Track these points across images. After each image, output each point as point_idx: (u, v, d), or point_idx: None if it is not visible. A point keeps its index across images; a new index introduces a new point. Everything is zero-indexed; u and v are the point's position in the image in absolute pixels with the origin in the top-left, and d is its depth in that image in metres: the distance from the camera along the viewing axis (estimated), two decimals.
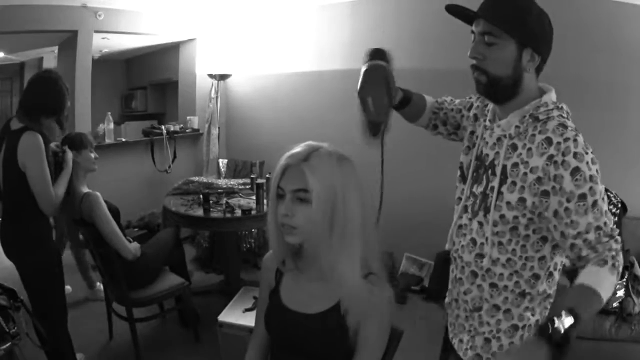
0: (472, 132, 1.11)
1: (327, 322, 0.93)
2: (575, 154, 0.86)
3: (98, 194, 2.07)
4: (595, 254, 0.86)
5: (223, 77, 3.73)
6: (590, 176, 0.86)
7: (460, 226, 1.09)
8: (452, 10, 0.96)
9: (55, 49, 3.84)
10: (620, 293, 2.00)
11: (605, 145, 2.54)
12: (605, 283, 0.83)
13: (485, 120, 1.07)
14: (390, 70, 1.03)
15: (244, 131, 4.05)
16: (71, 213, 2.13)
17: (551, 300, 1.05)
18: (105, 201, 2.11)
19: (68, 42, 3.45)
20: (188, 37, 3.99)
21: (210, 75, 3.70)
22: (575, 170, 0.86)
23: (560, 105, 0.96)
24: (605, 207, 0.88)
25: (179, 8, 3.59)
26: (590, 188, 0.85)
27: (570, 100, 2.91)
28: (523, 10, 0.91)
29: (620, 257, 0.87)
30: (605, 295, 0.82)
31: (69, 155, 2.00)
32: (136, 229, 3.39)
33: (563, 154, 0.87)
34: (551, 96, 0.97)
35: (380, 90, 1.01)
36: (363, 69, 1.03)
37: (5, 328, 1.52)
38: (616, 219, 2.17)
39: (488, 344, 1.05)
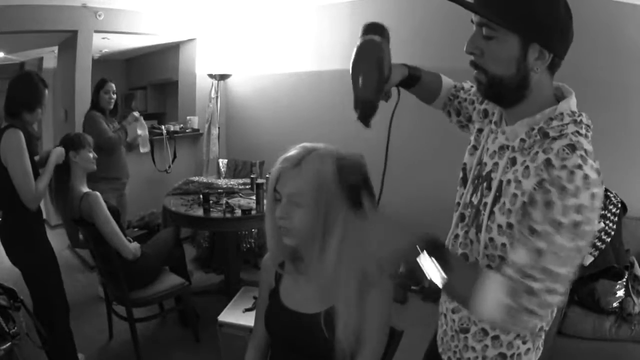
0: (480, 130, 0.97)
1: (326, 322, 0.93)
2: (562, 189, 0.71)
3: (98, 193, 2.07)
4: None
5: (223, 77, 3.73)
6: (560, 223, 0.70)
7: (456, 236, 0.98)
8: None
9: (55, 49, 3.85)
10: (620, 293, 2.00)
11: (605, 145, 2.52)
12: (491, 287, 0.73)
13: (491, 122, 0.93)
14: (384, 46, 0.92)
15: (244, 131, 4.05)
16: (71, 213, 2.13)
17: (542, 333, 0.96)
18: (105, 201, 2.11)
19: (68, 42, 3.45)
20: (188, 37, 3.99)
21: (210, 75, 3.70)
22: (549, 204, 0.72)
23: (579, 118, 0.79)
24: (558, 269, 0.71)
25: (179, 8, 3.59)
26: (548, 234, 0.71)
27: None
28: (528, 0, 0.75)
29: (527, 316, 0.72)
30: (481, 293, 0.73)
31: (54, 153, 2.01)
32: (136, 229, 3.39)
33: (551, 183, 0.72)
34: (570, 104, 0.81)
35: (371, 67, 0.90)
36: (356, 45, 0.93)
37: (5, 328, 1.52)
38: (616, 219, 2.17)
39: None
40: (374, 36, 0.92)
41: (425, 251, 0.73)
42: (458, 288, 0.76)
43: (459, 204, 0.99)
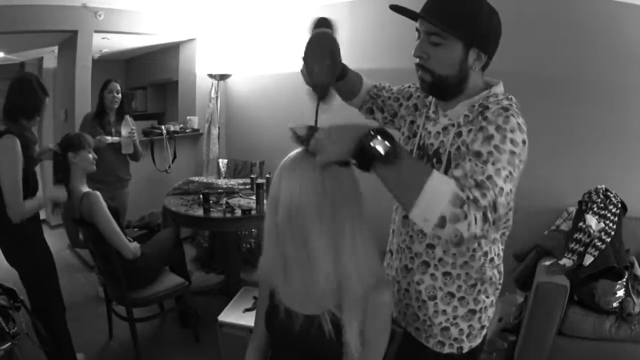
0: (412, 122, 1.12)
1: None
2: (497, 127, 0.84)
3: (98, 193, 2.07)
4: (460, 182, 0.79)
5: (223, 77, 3.73)
6: (496, 146, 0.81)
7: (405, 216, 1.08)
8: (396, 8, 0.96)
9: (55, 49, 3.84)
10: (620, 293, 1.99)
11: (605, 145, 2.54)
12: (439, 191, 0.73)
13: (428, 111, 1.07)
14: (335, 37, 1.03)
15: (244, 131, 4.05)
16: (71, 213, 2.13)
17: (498, 286, 1.08)
18: (105, 200, 2.12)
19: (68, 42, 3.45)
20: (188, 37, 3.99)
21: (210, 75, 3.70)
22: (489, 137, 0.83)
23: (509, 97, 0.94)
24: (496, 178, 0.78)
25: (179, 8, 3.59)
26: (490, 152, 0.81)
27: (571, 100, 2.89)
28: (470, 12, 0.89)
29: (476, 214, 0.73)
30: (427, 193, 0.73)
31: (54, 197, 2.00)
32: (136, 229, 3.39)
33: (488, 123, 0.86)
34: (500, 88, 0.97)
35: (325, 55, 1.01)
36: (308, 37, 1.03)
37: (5, 328, 1.52)
38: (616, 219, 2.17)
39: (447, 332, 1.06)
40: (327, 29, 1.02)
41: (378, 135, 0.75)
42: (408, 174, 0.76)
43: None
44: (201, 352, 2.38)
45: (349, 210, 0.88)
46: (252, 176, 3.01)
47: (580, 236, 2.09)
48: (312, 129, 0.85)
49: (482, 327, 1.09)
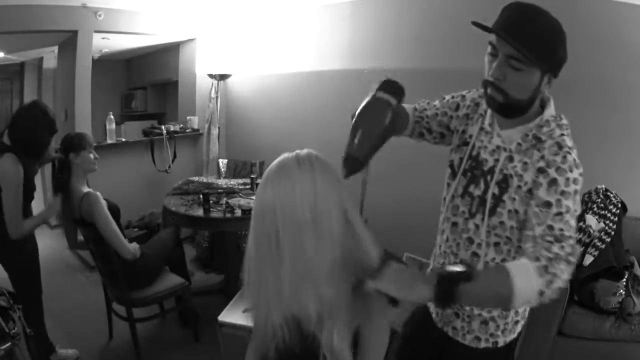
0: (464, 131, 1.12)
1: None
2: (558, 168, 0.90)
3: (98, 193, 2.07)
4: (533, 249, 0.86)
5: (223, 77, 3.73)
6: (563, 191, 0.88)
7: (454, 224, 1.11)
8: (480, 25, 0.90)
9: (55, 49, 3.84)
10: (620, 293, 1.99)
11: (606, 145, 2.54)
12: (524, 276, 0.80)
13: (483, 122, 1.06)
14: (396, 109, 0.96)
15: (244, 131, 4.05)
16: (71, 213, 2.13)
17: None
18: (106, 199, 2.12)
19: (68, 42, 3.45)
20: (188, 37, 3.99)
21: (210, 75, 3.70)
22: (552, 182, 0.89)
23: (560, 123, 0.97)
24: (571, 222, 0.87)
25: (179, 8, 3.59)
26: (558, 201, 0.88)
27: (571, 100, 2.89)
28: (554, 40, 0.90)
29: (560, 267, 0.81)
30: (518, 285, 0.79)
31: (51, 208, 2.06)
32: (136, 229, 3.39)
33: (548, 166, 0.91)
34: (551, 110, 0.98)
35: (375, 128, 0.92)
36: (367, 99, 0.95)
37: (6, 328, 1.53)
38: (616, 218, 2.17)
39: (485, 326, 1.10)
40: (390, 96, 0.94)
41: (445, 267, 0.82)
42: (492, 283, 0.82)
43: (452, 197, 1.11)
44: (201, 352, 2.38)
45: (344, 212, 0.87)
46: (252, 176, 3.01)
47: (580, 236, 2.09)
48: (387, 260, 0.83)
49: (516, 323, 1.12)
